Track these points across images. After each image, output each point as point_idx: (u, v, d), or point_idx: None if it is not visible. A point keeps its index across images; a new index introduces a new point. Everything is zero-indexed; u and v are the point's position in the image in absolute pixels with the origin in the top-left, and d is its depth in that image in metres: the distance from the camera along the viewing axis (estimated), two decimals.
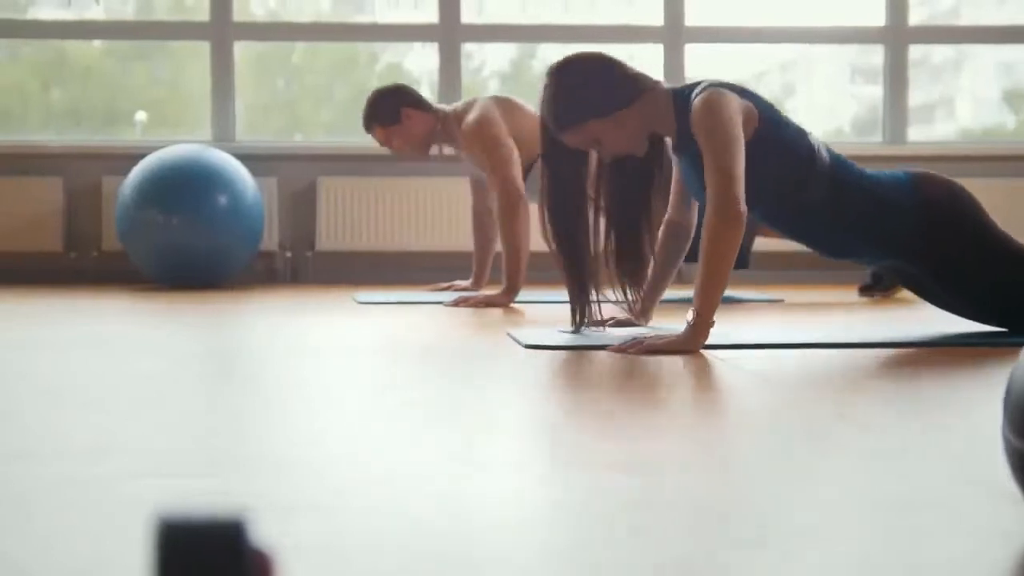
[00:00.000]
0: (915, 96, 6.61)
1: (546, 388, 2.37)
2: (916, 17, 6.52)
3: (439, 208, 6.09)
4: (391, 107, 4.74)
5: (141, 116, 6.86)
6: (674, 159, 3.16)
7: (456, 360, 2.79)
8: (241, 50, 6.40)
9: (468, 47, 6.56)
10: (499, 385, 2.38)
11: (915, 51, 6.59)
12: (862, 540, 1.19)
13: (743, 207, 2.81)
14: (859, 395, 2.25)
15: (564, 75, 3.06)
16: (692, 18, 6.32)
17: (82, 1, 6.84)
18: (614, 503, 1.35)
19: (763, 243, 4.95)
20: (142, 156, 5.56)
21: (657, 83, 3.08)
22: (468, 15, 6.35)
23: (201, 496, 1.37)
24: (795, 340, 2.99)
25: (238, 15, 6.30)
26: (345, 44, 6.91)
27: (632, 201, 3.16)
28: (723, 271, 2.83)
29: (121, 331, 3.51)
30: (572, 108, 3.02)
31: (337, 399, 2.22)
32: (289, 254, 6.14)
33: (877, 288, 4.84)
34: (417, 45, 6.36)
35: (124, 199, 5.45)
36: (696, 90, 2.99)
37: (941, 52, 7.64)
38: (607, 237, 3.16)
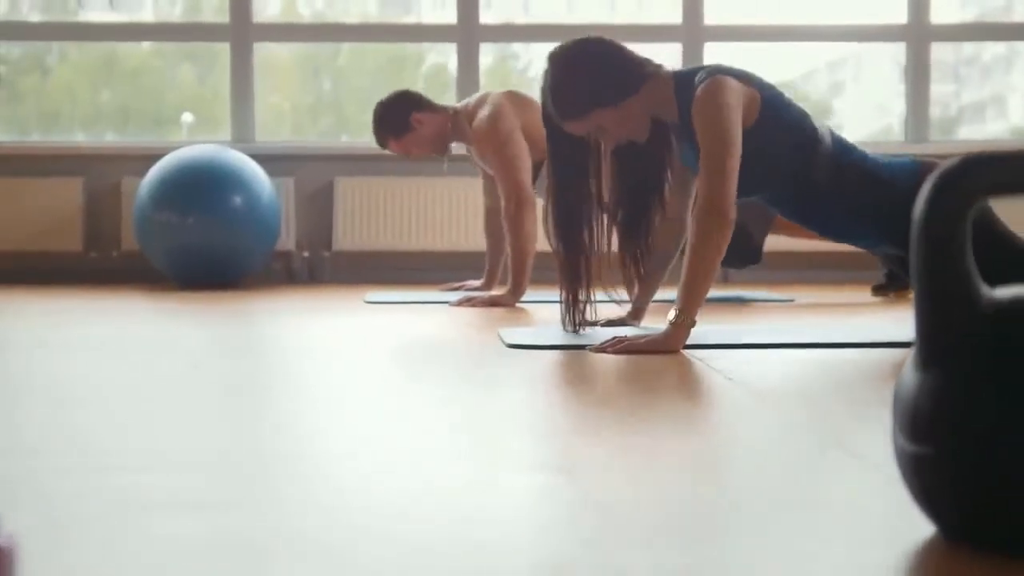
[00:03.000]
0: (966, 95, 6.55)
1: (508, 388, 2.36)
2: (968, 14, 6.44)
3: (455, 208, 6.10)
4: (400, 116, 4.69)
5: (188, 117, 6.93)
6: (675, 143, 3.14)
7: (436, 360, 2.79)
8: (287, 52, 6.45)
9: (515, 47, 6.58)
10: (463, 385, 2.38)
11: (967, 49, 6.51)
12: (758, 539, 1.18)
13: (732, 211, 2.80)
14: (820, 397, 2.23)
15: (566, 63, 3.02)
16: (711, 16, 6.29)
17: (129, 4, 6.94)
18: (529, 503, 1.35)
19: (777, 243, 4.92)
20: (161, 157, 5.61)
21: (660, 67, 3.06)
22: (515, 15, 6.37)
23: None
24: (780, 340, 2.97)
25: (275, 16, 6.34)
26: (391, 45, 6.89)
27: (644, 186, 3.15)
28: (707, 272, 2.81)
29: (121, 332, 3.54)
30: (575, 98, 3.00)
31: (291, 400, 2.23)
32: (306, 254, 6.17)
33: (891, 288, 4.80)
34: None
35: (140, 200, 5.50)
36: (699, 75, 2.97)
37: (992, 49, 7.54)
38: (614, 219, 3.14)
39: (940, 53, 7.86)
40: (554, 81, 3.02)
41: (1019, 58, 7.51)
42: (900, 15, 6.34)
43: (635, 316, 3.33)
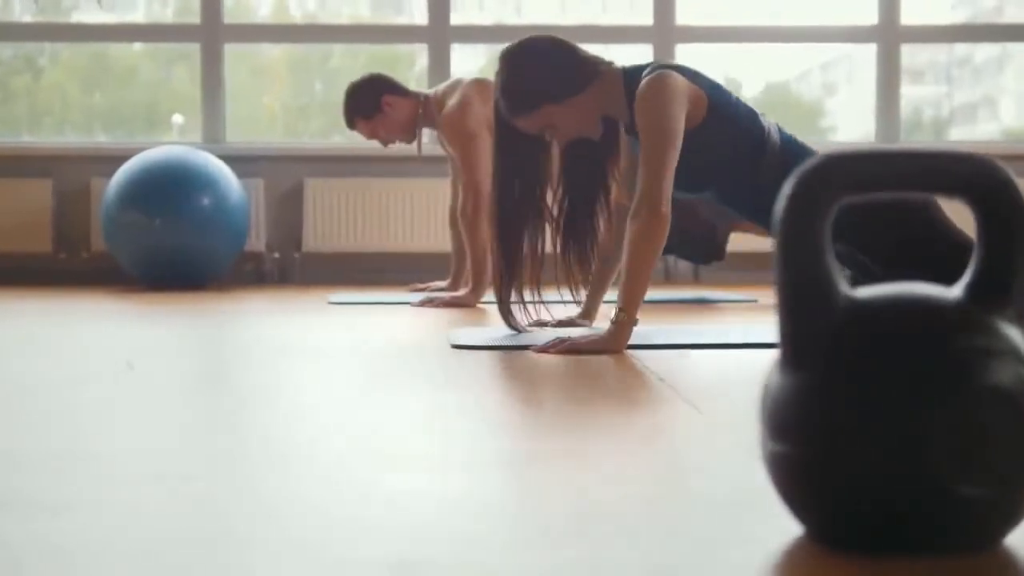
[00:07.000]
0: (958, 96, 6.55)
1: (431, 389, 2.36)
2: (960, 15, 6.43)
3: (425, 209, 6.10)
4: (371, 97, 4.70)
5: (178, 119, 6.92)
6: (627, 140, 3.14)
7: (372, 360, 2.78)
8: (278, 53, 6.46)
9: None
10: (384, 386, 2.37)
11: (959, 50, 6.51)
12: (630, 538, 1.18)
13: (667, 207, 2.80)
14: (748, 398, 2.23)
15: (518, 60, 3.04)
16: (683, 17, 6.29)
17: (122, 5, 6.95)
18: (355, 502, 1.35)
19: (742, 244, 4.91)
20: (130, 158, 5.60)
21: (610, 65, 3.07)
22: (509, 16, 6.37)
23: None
24: (726, 341, 2.96)
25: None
26: (384, 47, 6.88)
27: (589, 187, 3.15)
28: (645, 270, 2.81)
29: (67, 332, 3.54)
30: (526, 93, 3.01)
31: (211, 401, 2.23)
32: (277, 255, 6.17)
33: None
34: (455, 46, 6.33)
35: (108, 201, 5.49)
36: (646, 71, 2.97)
37: (984, 51, 7.53)
38: (557, 220, 3.14)
39: (933, 55, 7.86)
40: (504, 77, 3.04)
41: (1011, 60, 7.50)
42: (872, 16, 6.35)
43: (585, 316, 3.33)
